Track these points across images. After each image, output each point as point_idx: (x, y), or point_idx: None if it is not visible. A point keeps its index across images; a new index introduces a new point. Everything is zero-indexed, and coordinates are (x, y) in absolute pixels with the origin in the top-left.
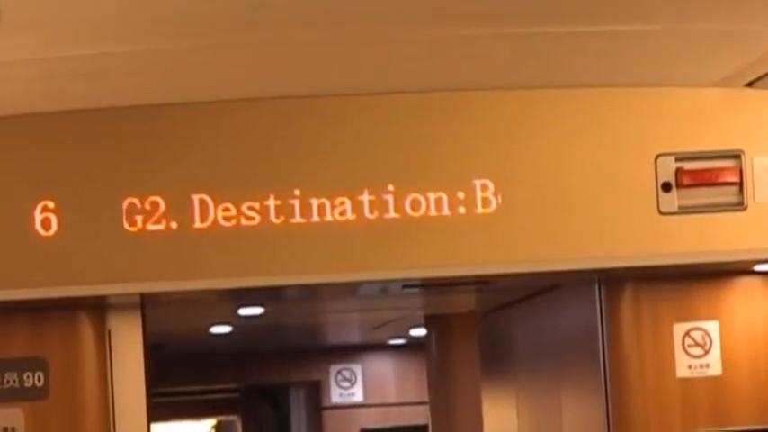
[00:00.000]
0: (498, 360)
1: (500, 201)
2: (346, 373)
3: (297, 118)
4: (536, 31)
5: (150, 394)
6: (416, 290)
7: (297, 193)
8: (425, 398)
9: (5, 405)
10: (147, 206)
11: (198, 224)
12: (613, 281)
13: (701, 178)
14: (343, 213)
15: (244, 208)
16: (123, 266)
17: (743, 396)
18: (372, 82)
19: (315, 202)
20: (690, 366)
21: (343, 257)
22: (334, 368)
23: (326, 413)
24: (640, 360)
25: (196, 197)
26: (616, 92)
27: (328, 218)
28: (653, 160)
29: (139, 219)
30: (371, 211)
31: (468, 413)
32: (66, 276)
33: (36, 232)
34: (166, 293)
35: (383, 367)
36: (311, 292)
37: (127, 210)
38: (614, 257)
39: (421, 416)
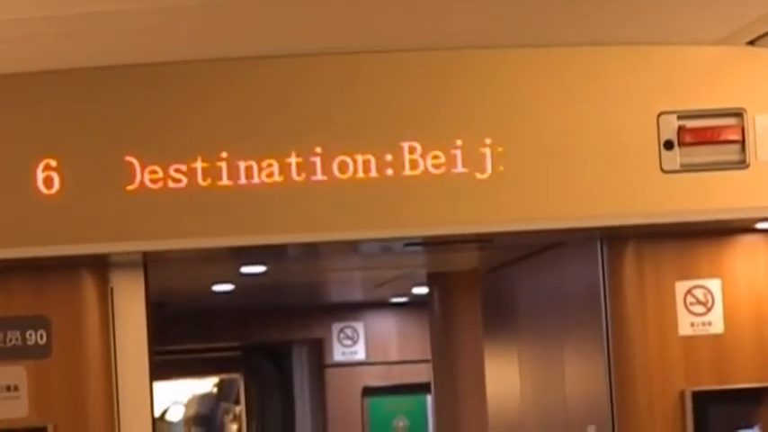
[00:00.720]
0: (501, 318)
1: (502, 159)
2: (349, 332)
3: (313, 74)
4: None
5: (152, 352)
6: (418, 248)
7: (298, 152)
8: (428, 356)
9: (8, 363)
10: (150, 165)
11: (201, 182)
12: (616, 239)
13: (704, 136)
14: (345, 171)
15: (245, 167)
16: (125, 225)
17: (745, 354)
18: (379, 40)
19: (318, 161)
20: (692, 324)
21: (346, 215)
22: (336, 326)
23: (329, 371)
24: (642, 318)
25: (199, 156)
26: (617, 50)
27: (330, 176)
28: (655, 118)
29: (142, 177)
30: (372, 170)
31: (470, 371)
32: (68, 235)
33: (38, 190)
34: (169, 252)
35: (386, 325)
36: (313, 250)
37: (129, 168)
38: (616, 215)
39: (423, 374)
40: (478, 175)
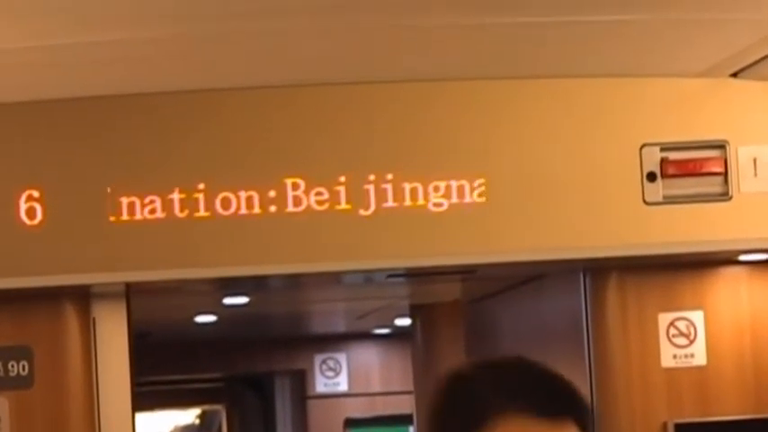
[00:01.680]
0: (483, 349)
1: (485, 191)
2: (331, 363)
3: (292, 105)
4: (519, 21)
5: (135, 383)
6: (401, 279)
7: (284, 182)
8: (410, 387)
9: None
10: (132, 196)
11: (182, 214)
12: (598, 270)
13: (686, 168)
14: (328, 203)
15: (222, 198)
16: (108, 255)
17: (727, 386)
18: (369, 71)
19: (302, 193)
20: (674, 356)
21: (329, 247)
22: (318, 357)
23: (311, 402)
24: (625, 350)
25: (181, 187)
26: (601, 82)
27: (314, 207)
28: (638, 150)
29: (124, 208)
30: (356, 201)
31: None
32: (50, 265)
33: (21, 221)
34: (151, 282)
35: (368, 357)
36: (295, 281)
37: (112, 199)
38: (599, 247)
39: (406, 405)
40: (461, 207)
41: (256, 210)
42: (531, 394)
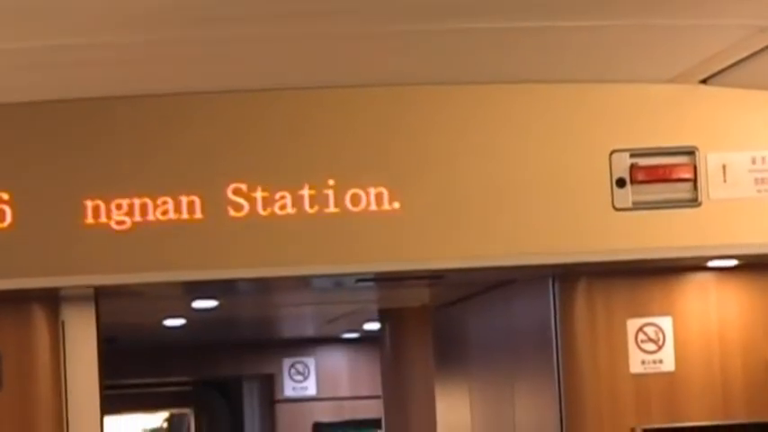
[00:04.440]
0: (452, 354)
1: (453, 195)
2: (299, 367)
3: (262, 111)
4: (490, 27)
5: (104, 386)
6: (370, 284)
7: (251, 186)
8: (379, 392)
9: None
10: (101, 199)
11: (151, 217)
12: (567, 276)
13: (656, 174)
14: (297, 207)
15: (188, 201)
16: (77, 259)
17: (695, 392)
18: (355, 76)
19: (271, 196)
20: (643, 362)
21: (297, 251)
22: (287, 361)
23: (279, 406)
24: (594, 355)
25: (149, 192)
26: (571, 87)
27: (283, 211)
28: (607, 156)
29: (93, 211)
30: (325, 205)
31: (421, 407)
32: (19, 268)
33: None
34: (120, 286)
35: (336, 361)
36: (265, 285)
37: (81, 203)
38: (568, 253)
39: (374, 410)
40: (429, 211)
41: (227, 213)
42: None
